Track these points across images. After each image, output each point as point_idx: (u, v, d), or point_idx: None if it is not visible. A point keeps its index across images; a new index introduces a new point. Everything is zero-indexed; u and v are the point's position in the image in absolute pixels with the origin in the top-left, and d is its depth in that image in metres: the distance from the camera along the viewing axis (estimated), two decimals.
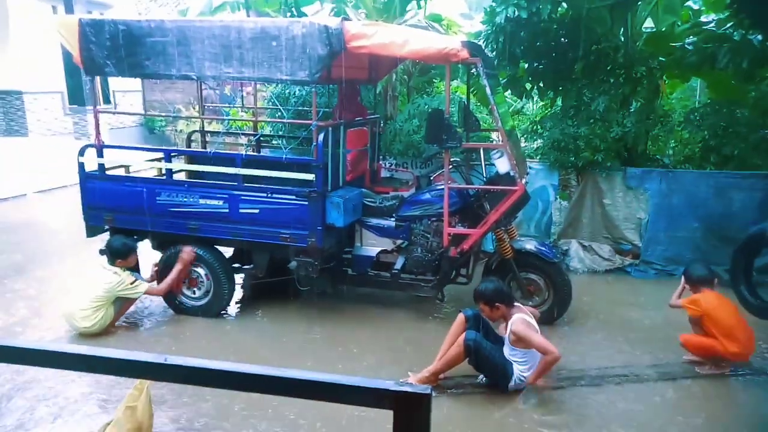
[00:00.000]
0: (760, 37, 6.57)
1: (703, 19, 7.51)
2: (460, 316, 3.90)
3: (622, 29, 6.59)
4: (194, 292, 5.04)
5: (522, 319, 3.67)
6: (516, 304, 3.88)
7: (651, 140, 6.93)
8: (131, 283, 4.65)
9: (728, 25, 6.82)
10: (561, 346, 4.41)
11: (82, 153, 4.99)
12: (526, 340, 3.58)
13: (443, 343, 3.84)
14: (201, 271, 4.97)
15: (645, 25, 7.18)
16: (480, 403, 3.67)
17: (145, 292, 4.76)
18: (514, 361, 3.69)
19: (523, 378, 3.68)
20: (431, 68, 8.23)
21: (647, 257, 6.19)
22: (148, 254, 5.32)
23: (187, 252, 4.84)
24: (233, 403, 3.54)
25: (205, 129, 6.54)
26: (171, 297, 5.00)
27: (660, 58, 6.55)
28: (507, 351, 3.73)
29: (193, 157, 5.59)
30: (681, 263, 6.14)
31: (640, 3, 6.55)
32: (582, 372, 4.05)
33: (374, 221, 5.12)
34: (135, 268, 4.95)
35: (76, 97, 15.67)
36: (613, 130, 6.08)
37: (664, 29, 7.21)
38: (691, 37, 6.92)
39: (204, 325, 4.84)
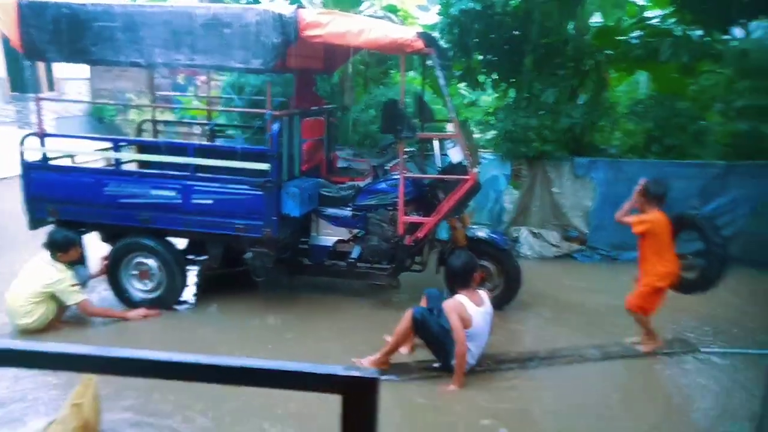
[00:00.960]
0: (700, 32, 6.90)
1: (647, 14, 7.80)
2: (408, 314, 3.85)
3: (571, 23, 6.77)
4: (146, 285, 4.94)
5: (456, 300, 3.77)
6: (477, 290, 3.93)
7: (598, 131, 7.18)
8: (71, 286, 4.41)
9: (671, 20, 7.12)
10: (512, 330, 4.57)
11: (23, 142, 4.79)
12: (448, 315, 3.68)
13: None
14: (152, 263, 4.87)
15: (593, 19, 7.41)
16: (429, 386, 3.76)
17: (78, 304, 4.46)
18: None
19: (470, 362, 3.80)
20: (388, 59, 8.25)
21: (593, 243, 6.45)
22: (97, 247, 5.17)
23: (136, 313, 4.70)
24: (183, 396, 3.51)
25: (157, 118, 6.38)
26: (120, 289, 4.89)
27: (607, 52, 6.78)
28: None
29: (143, 147, 5.45)
30: (625, 249, 6.44)
31: None
32: (532, 354, 4.20)
33: (330, 211, 5.14)
34: (80, 262, 4.80)
35: (18, 83, 14.89)
36: (562, 121, 6.27)
37: (611, 24, 7.46)
38: (637, 31, 7.19)
39: (156, 319, 4.75)
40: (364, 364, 3.79)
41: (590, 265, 6.34)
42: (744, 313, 5.01)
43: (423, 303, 4.07)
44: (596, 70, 6.64)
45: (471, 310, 3.76)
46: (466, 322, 3.70)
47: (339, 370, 1.16)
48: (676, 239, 4.62)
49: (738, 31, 7.42)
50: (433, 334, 3.79)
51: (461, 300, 3.78)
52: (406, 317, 3.77)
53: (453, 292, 3.89)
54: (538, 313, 4.97)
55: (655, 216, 4.10)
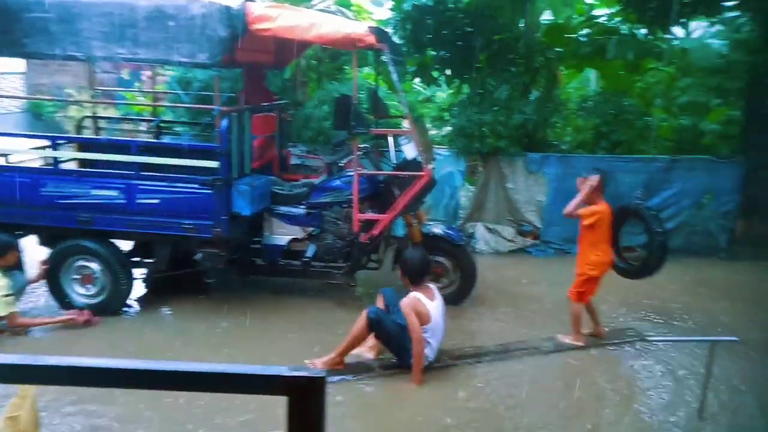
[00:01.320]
0: (644, 30, 7.13)
1: (596, 12, 8.01)
2: (363, 314, 3.77)
3: (522, 20, 6.87)
4: (89, 289, 4.70)
5: (412, 297, 3.74)
6: (428, 285, 3.93)
7: (550, 127, 7.33)
8: (3, 296, 4.14)
9: (617, 19, 7.34)
10: (468, 326, 4.58)
11: None
12: (405, 315, 3.66)
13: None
14: (95, 266, 4.64)
15: (544, 17, 7.55)
16: (387, 385, 3.73)
17: (7, 317, 4.18)
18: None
19: (426, 354, 3.78)
20: (342, 54, 8.17)
21: (546, 237, 6.57)
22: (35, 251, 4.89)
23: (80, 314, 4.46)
24: (131, 405, 3.35)
25: (99, 114, 6.09)
26: (61, 295, 4.64)
27: (557, 49, 6.91)
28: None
29: (84, 145, 5.18)
30: (577, 242, 6.58)
31: None
32: (488, 348, 4.22)
33: (284, 209, 5.02)
34: (17, 267, 4.52)
35: None
36: (515, 117, 6.35)
37: (561, 21, 7.61)
38: (585, 29, 7.37)
39: (101, 325, 4.52)
40: (317, 365, 3.72)
41: (544, 259, 6.45)
42: (687, 302, 5.19)
43: (379, 302, 4.02)
44: (546, 67, 6.76)
45: (428, 305, 3.75)
46: (424, 318, 3.68)
47: (284, 371, 1.10)
48: (621, 230, 4.78)
49: (679, 31, 7.72)
50: (390, 333, 3.75)
51: (417, 296, 3.75)
52: (361, 317, 3.72)
53: (409, 289, 3.86)
54: (493, 307, 5.00)
55: (603, 207, 4.19)
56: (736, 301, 5.21)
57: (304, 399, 1.09)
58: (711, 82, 6.76)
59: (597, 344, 4.31)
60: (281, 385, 1.09)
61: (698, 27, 9.28)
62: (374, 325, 3.70)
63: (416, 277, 3.85)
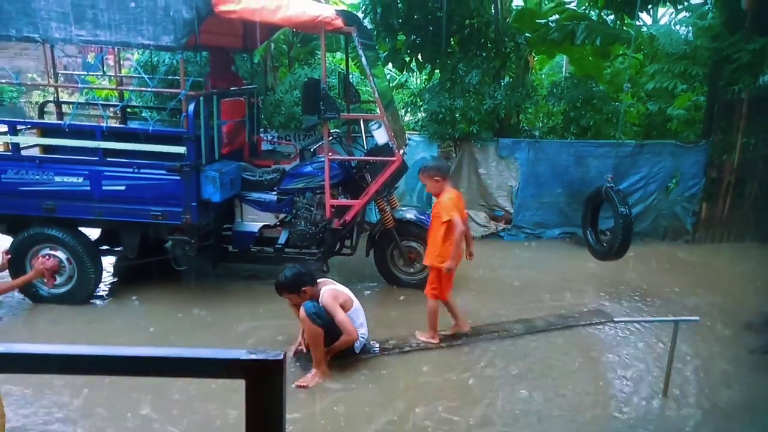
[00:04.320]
0: (612, 16, 7.20)
1: None
2: (303, 316, 3.62)
3: (492, 4, 6.86)
4: (55, 279, 4.60)
5: (330, 292, 3.67)
6: (321, 279, 3.83)
7: (522, 113, 7.38)
8: None
9: (586, 4, 7.39)
10: (440, 309, 4.60)
11: None
12: (332, 314, 3.59)
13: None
14: (61, 255, 4.53)
15: (515, 2, 7.56)
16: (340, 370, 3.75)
17: None
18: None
19: (364, 337, 3.79)
20: (313, 38, 8.05)
21: (518, 222, 6.65)
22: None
23: (43, 262, 4.36)
24: (95, 393, 3.30)
25: (62, 99, 5.91)
26: (26, 285, 4.52)
27: (527, 34, 6.93)
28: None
29: (46, 130, 5.02)
30: (548, 227, 6.69)
31: None
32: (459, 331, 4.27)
33: (255, 195, 4.97)
34: None
35: None
36: (486, 102, 6.37)
37: (531, 6, 7.64)
38: (555, 15, 7.40)
39: (69, 315, 4.44)
40: (310, 385, 3.51)
41: (516, 243, 6.53)
42: (653, 284, 5.32)
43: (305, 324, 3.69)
44: (517, 53, 6.77)
45: (341, 288, 3.76)
46: (348, 303, 3.71)
47: (241, 354, 1.09)
48: (598, 212, 4.89)
49: (647, 18, 7.83)
50: (332, 325, 3.62)
51: (330, 288, 3.69)
52: (304, 321, 3.56)
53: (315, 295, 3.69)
54: (465, 291, 5.05)
55: (456, 203, 3.93)
56: (701, 284, 5.35)
57: (262, 382, 1.09)
58: (677, 68, 6.87)
59: (564, 326, 4.39)
60: (239, 368, 1.09)
61: (665, 13, 9.45)
62: (318, 319, 3.56)
63: (309, 282, 3.67)
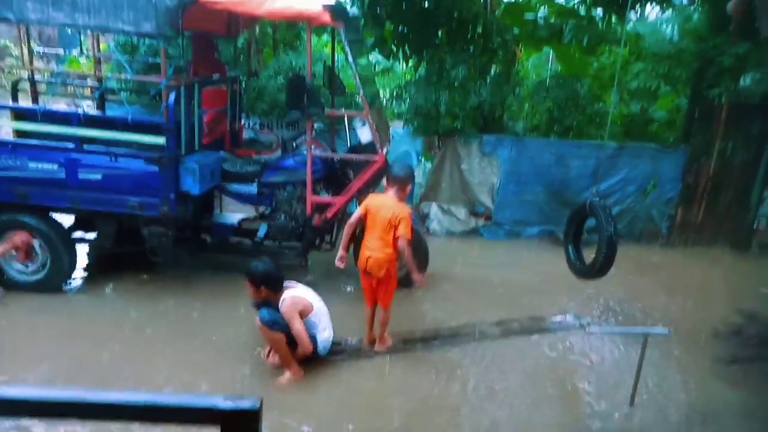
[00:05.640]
0: (601, 13, 7.17)
1: None
2: (259, 325, 3.61)
3: None
4: (28, 266, 4.52)
5: (290, 300, 3.63)
6: (292, 284, 3.81)
7: (506, 109, 7.36)
8: None
9: (576, 1, 7.36)
10: (417, 309, 4.64)
11: None
12: (289, 324, 3.58)
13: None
14: (34, 242, 4.44)
15: None
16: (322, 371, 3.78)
17: None
18: (311, 332, 3.71)
19: (328, 341, 3.80)
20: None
21: (498, 219, 6.69)
22: None
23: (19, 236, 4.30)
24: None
25: (37, 79, 5.70)
26: None
27: (515, 30, 6.89)
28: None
29: (21, 114, 4.87)
30: (527, 224, 6.74)
31: None
32: (436, 332, 4.31)
33: (235, 187, 4.91)
34: None
35: None
36: (471, 98, 6.35)
37: (520, 1, 7.58)
38: (544, 10, 7.36)
39: (41, 303, 4.37)
40: (284, 382, 3.59)
41: (495, 241, 6.57)
42: (627, 287, 5.37)
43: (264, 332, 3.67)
44: (504, 49, 6.74)
45: (302, 294, 3.72)
46: (308, 309, 3.67)
47: (218, 401, 1.09)
48: (583, 227, 4.74)
49: (633, 15, 7.83)
50: (287, 326, 3.62)
51: (290, 297, 3.65)
52: (261, 328, 3.56)
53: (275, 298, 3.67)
54: (443, 290, 5.08)
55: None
56: (672, 289, 5.44)
57: (238, 430, 1.09)
58: (660, 68, 6.90)
59: (543, 329, 4.45)
60: (215, 416, 1.09)
61: (652, 11, 9.45)
62: (272, 324, 3.55)
63: (272, 286, 3.64)
